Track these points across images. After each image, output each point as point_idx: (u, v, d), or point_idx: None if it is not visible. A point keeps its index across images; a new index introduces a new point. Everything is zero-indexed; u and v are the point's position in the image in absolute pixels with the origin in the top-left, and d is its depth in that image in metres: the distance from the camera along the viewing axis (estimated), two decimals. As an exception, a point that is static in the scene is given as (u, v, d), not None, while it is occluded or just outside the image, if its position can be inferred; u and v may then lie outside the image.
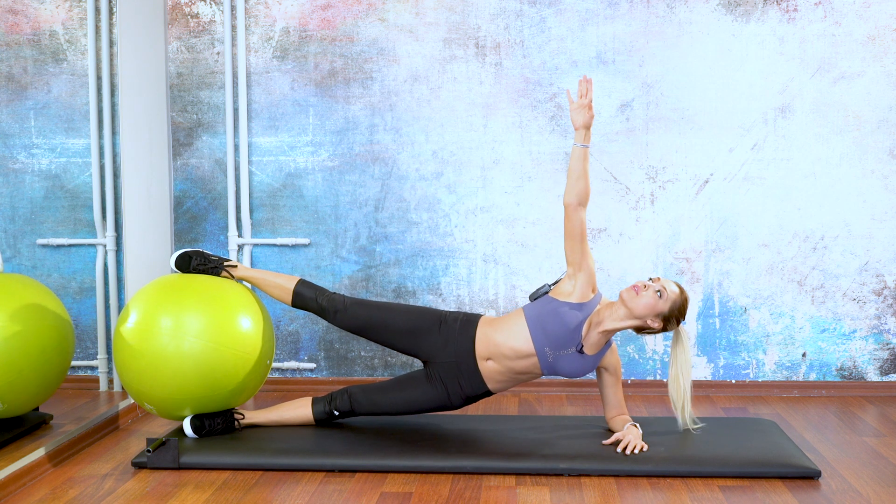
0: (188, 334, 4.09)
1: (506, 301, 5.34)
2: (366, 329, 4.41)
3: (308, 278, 5.22)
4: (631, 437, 4.11)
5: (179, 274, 4.43)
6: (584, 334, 4.14)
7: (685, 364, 4.20)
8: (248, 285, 4.61)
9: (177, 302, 4.19)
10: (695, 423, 4.34)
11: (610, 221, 5.30)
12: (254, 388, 4.37)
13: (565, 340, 4.14)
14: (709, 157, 5.27)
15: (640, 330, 4.18)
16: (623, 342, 5.29)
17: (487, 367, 4.25)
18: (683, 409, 4.25)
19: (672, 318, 4.14)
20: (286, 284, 4.48)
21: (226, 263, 4.48)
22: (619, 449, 4.07)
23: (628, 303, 4.10)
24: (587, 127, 4.14)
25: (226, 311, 4.23)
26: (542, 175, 5.30)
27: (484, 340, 4.24)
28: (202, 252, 4.49)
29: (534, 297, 4.25)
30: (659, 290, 4.09)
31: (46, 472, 3.98)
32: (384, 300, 5.30)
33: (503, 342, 4.21)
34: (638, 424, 4.21)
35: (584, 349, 4.15)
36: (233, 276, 4.47)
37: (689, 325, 5.30)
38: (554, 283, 4.24)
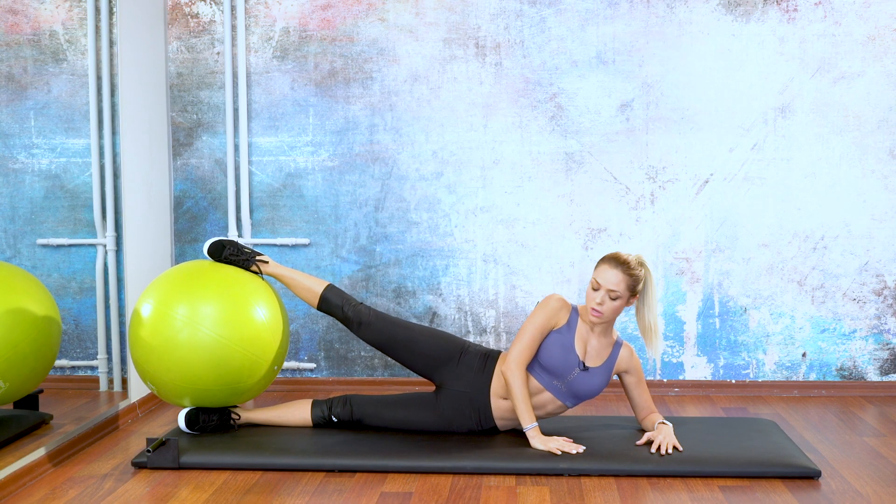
0: (203, 325, 4.12)
1: (506, 301, 5.34)
2: (387, 346, 4.40)
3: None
4: (663, 437, 4.10)
5: (209, 261, 4.43)
6: (582, 350, 4.17)
7: (650, 300, 4.20)
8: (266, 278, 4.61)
9: (198, 290, 4.21)
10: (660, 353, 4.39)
11: (610, 221, 5.30)
12: (258, 391, 4.37)
13: (563, 366, 4.16)
14: (709, 157, 5.27)
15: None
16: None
17: (500, 405, 4.26)
18: (652, 341, 4.25)
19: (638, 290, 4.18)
20: (315, 288, 4.45)
21: (258, 258, 4.46)
22: (652, 449, 4.05)
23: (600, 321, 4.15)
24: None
25: (243, 309, 4.23)
26: (542, 175, 5.30)
27: (500, 378, 4.26)
28: (236, 243, 4.47)
29: None
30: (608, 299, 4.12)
31: (46, 471, 3.98)
32: (385, 299, 5.32)
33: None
34: (669, 422, 4.21)
35: (588, 365, 4.17)
36: (261, 272, 4.46)
37: (690, 325, 5.31)
38: None
